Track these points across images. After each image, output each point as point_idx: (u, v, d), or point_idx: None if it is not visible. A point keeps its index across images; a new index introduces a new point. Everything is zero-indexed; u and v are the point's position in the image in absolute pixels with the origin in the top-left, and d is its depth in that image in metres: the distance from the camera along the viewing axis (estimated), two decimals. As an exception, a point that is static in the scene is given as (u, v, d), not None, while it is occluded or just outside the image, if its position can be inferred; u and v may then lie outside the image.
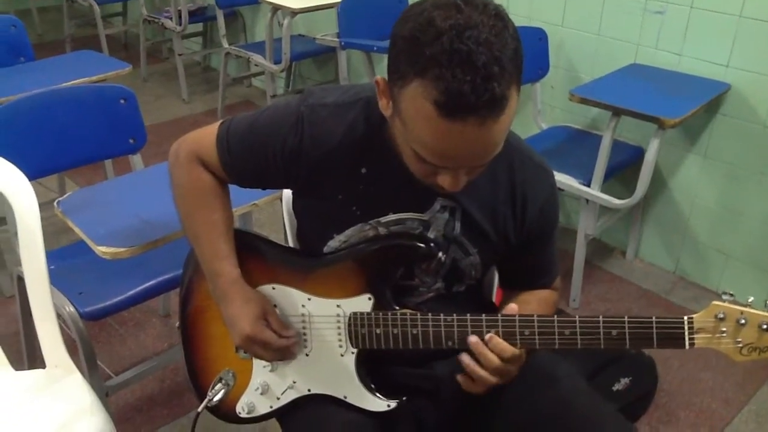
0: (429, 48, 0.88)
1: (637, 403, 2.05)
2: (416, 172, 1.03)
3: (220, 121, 1.21)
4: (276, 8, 3.44)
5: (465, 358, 1.07)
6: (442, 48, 0.87)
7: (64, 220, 1.52)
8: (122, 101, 1.95)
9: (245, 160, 1.18)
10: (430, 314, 1.11)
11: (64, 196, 1.61)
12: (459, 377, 1.10)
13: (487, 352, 1.06)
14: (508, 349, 1.06)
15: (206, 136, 1.20)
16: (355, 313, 1.15)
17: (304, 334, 1.20)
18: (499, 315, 1.07)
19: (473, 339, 1.06)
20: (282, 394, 1.22)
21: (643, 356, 2.13)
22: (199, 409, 1.23)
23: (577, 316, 1.04)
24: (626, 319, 1.02)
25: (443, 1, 0.91)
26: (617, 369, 2.03)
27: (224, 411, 1.27)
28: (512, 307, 1.08)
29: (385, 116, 1.02)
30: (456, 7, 0.89)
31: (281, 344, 1.17)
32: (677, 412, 2.08)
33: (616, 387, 2.00)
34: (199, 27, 4.75)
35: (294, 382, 1.21)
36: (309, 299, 1.18)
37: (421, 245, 1.13)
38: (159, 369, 2.13)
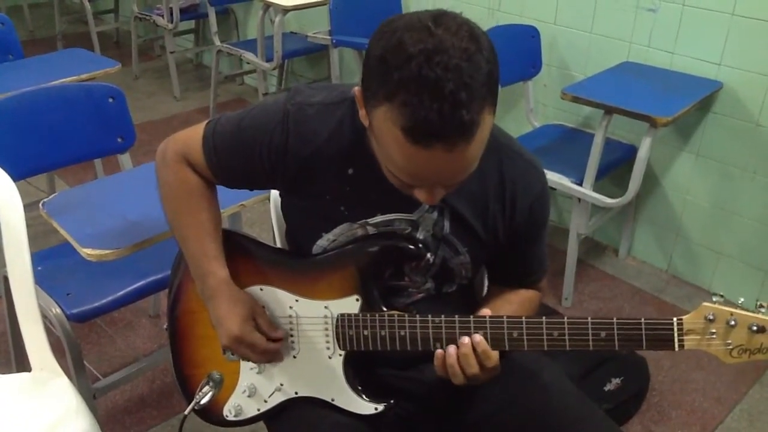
0: (398, 72, 0.87)
1: (628, 403, 2.04)
2: (393, 183, 1.02)
3: (207, 120, 1.20)
4: (267, 5, 3.42)
5: (451, 349, 1.06)
6: (410, 73, 0.86)
7: (49, 222, 1.50)
8: (110, 99, 1.93)
9: (231, 160, 1.16)
10: (418, 315, 1.10)
11: (50, 196, 1.59)
12: (435, 356, 1.08)
13: (471, 357, 1.05)
14: (494, 357, 1.05)
15: (192, 136, 1.19)
16: (342, 315, 1.14)
17: (292, 335, 1.19)
18: (488, 317, 1.06)
19: (465, 340, 1.05)
20: (269, 396, 1.21)
21: (634, 356, 2.13)
22: (186, 412, 1.21)
23: (565, 318, 1.03)
24: (615, 320, 1.01)
25: (416, 22, 0.89)
26: (608, 369, 2.02)
27: (212, 414, 1.26)
28: (484, 311, 1.07)
29: (365, 125, 1.01)
30: (428, 30, 0.88)
31: (268, 347, 1.16)
32: (669, 411, 2.08)
33: (608, 387, 2.00)
34: (191, 24, 4.73)
35: (281, 385, 1.20)
36: (296, 300, 1.17)
37: (410, 246, 1.12)
38: (148, 370, 2.12)
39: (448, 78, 0.85)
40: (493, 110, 0.92)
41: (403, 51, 0.87)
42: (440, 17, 0.90)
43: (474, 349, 1.05)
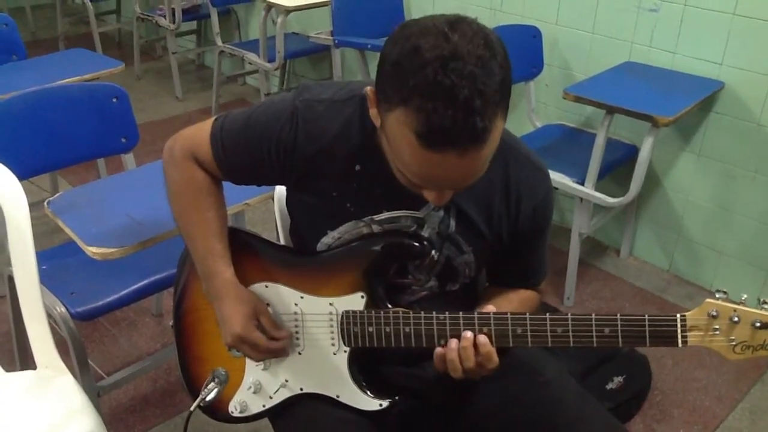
0: (413, 78, 0.88)
1: (631, 402, 2.05)
2: (402, 182, 1.02)
3: (214, 117, 1.21)
4: (270, 6, 3.43)
5: (453, 343, 1.07)
6: (425, 79, 0.87)
7: (55, 220, 1.51)
8: (114, 100, 1.93)
9: (240, 157, 1.17)
10: (422, 312, 1.10)
11: (55, 195, 1.60)
12: (435, 353, 1.09)
13: (469, 349, 1.05)
14: (495, 359, 1.05)
15: (200, 133, 1.20)
16: (347, 312, 1.15)
17: (297, 332, 1.19)
18: (491, 314, 1.06)
19: (468, 334, 1.06)
20: (275, 393, 1.21)
21: (636, 354, 2.14)
22: (192, 408, 1.21)
23: (569, 314, 1.04)
24: (618, 317, 1.01)
25: (432, 26, 0.90)
26: (611, 367, 2.03)
27: (217, 410, 1.26)
28: (488, 308, 1.08)
29: (375, 124, 1.02)
30: (444, 36, 0.88)
31: (270, 346, 1.16)
32: (671, 410, 2.08)
33: (610, 386, 2.00)
34: (193, 25, 4.73)
35: (286, 381, 1.20)
36: (302, 297, 1.18)
37: (415, 243, 1.13)
38: (152, 369, 2.12)
39: (463, 85, 0.86)
40: (505, 115, 0.93)
41: (418, 56, 0.88)
42: (456, 23, 0.90)
43: (475, 346, 1.05)
